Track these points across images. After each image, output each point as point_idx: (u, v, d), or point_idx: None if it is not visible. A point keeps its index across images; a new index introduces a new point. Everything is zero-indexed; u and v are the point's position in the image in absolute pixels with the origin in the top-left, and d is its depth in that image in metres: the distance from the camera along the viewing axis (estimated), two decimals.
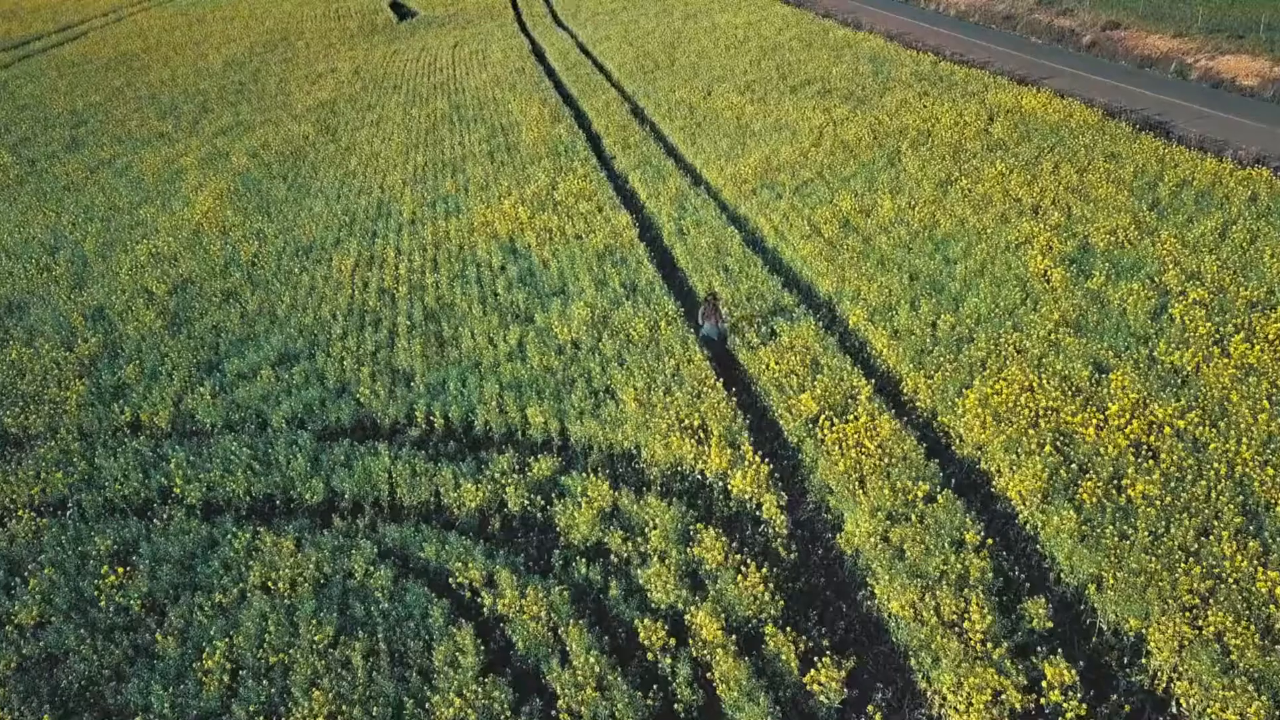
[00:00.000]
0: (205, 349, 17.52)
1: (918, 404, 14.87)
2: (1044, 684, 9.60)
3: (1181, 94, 33.69)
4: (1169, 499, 11.77)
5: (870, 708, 9.59)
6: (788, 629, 10.38)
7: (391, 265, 21.08)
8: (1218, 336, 15.54)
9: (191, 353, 17.33)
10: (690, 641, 10.33)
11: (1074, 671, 9.57)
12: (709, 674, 10.05)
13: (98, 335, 18.25)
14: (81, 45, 57.42)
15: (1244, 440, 12.71)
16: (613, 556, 11.63)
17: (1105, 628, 10.50)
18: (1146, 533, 11.25)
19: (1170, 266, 18.12)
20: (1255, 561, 10.64)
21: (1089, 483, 12.16)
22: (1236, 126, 28.97)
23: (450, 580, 11.27)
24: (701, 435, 13.89)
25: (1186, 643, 9.73)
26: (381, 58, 48.90)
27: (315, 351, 17.21)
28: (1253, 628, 9.76)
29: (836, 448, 13.36)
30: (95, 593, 11.22)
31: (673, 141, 30.77)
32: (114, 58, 52.22)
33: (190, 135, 34.28)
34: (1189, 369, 14.68)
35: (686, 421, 14.10)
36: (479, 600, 11.03)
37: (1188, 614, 10.08)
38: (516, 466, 13.50)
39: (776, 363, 15.79)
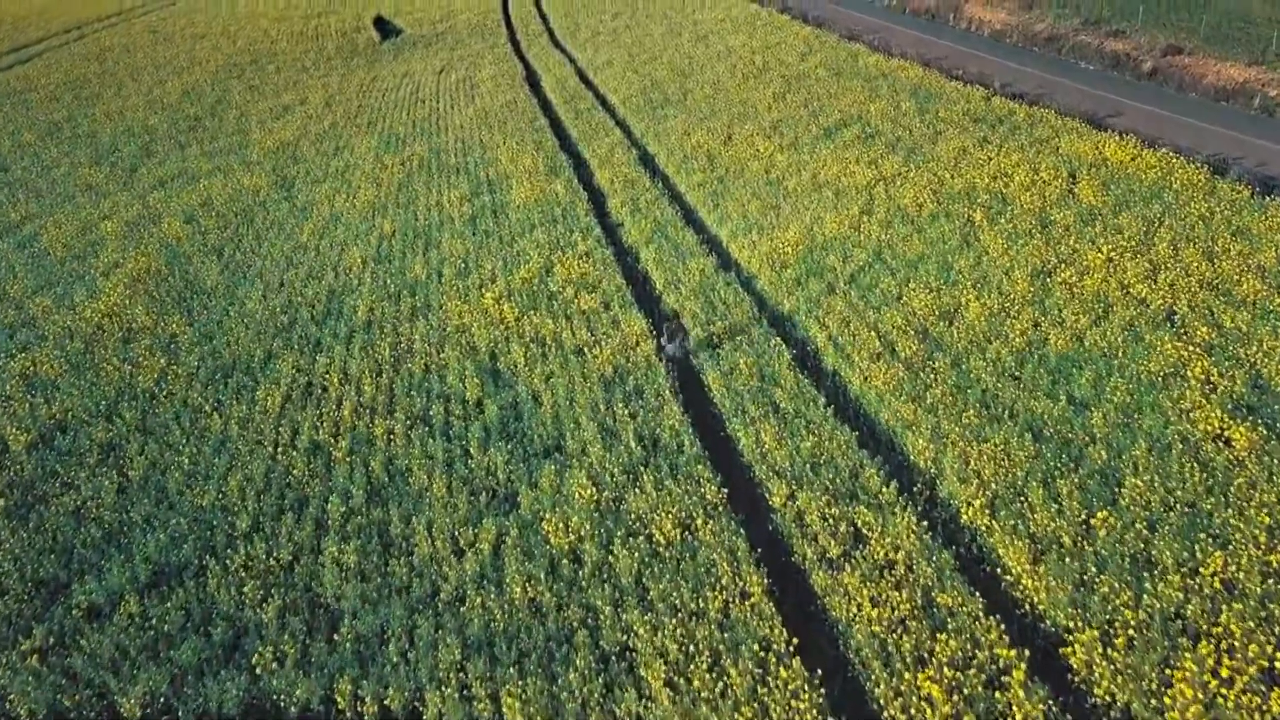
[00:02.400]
0: (52, 559, 12.44)
1: (1096, 691, 9.82)
2: None
3: (1275, 136, 28.79)
4: None
5: None
6: None
7: (333, 400, 16.01)
8: None
9: (31, 565, 12.25)
10: None
11: None
12: None
13: None
14: (33, 68, 52.38)
15: None
16: None
17: None
18: None
19: None
20: None
21: None
22: None
23: None
24: None
25: None
26: (358, 86, 43.91)
27: (207, 564, 12.13)
28: None
29: None
30: None
31: (690, 202, 25.78)
32: (63, 83, 47.19)
33: (123, 188, 29.25)
34: None
35: None
36: None
37: None
38: None
39: (872, 601, 10.76)
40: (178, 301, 20.35)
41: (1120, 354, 15.72)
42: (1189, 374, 14.83)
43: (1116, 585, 10.69)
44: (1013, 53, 44.52)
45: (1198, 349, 15.50)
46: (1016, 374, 15.59)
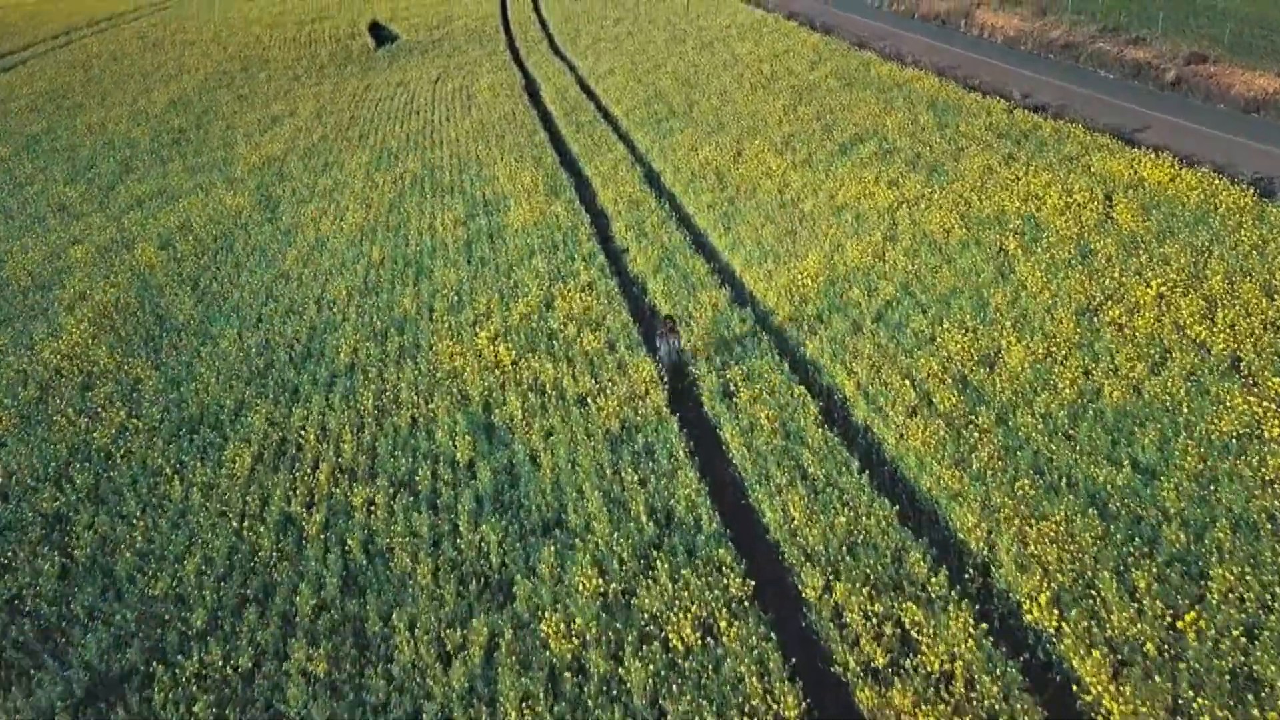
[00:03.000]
0: None
1: None
2: None
3: None
4: None
5: None
6: None
7: (309, 461, 14.38)
8: None
9: None
10: None
11: None
12: None
13: None
14: (15, 76, 50.78)
15: None
16: None
17: None
18: None
19: None
20: None
21: None
22: None
23: None
24: None
25: None
26: (351, 95, 42.33)
27: (154, 671, 10.50)
28: None
29: None
30: None
31: (700, 226, 24.18)
32: (45, 93, 45.60)
33: (98, 208, 27.65)
34: None
35: None
36: None
37: None
38: None
39: None
40: (145, 340, 18.74)
41: (1185, 409, 14.11)
42: (1266, 434, 13.23)
43: (1218, 712, 9.07)
44: (1028, 60, 43.00)
45: (1272, 404, 13.89)
46: (1070, 432, 13.98)
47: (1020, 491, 12.58)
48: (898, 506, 12.56)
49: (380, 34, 59.33)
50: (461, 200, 26.59)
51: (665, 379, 16.37)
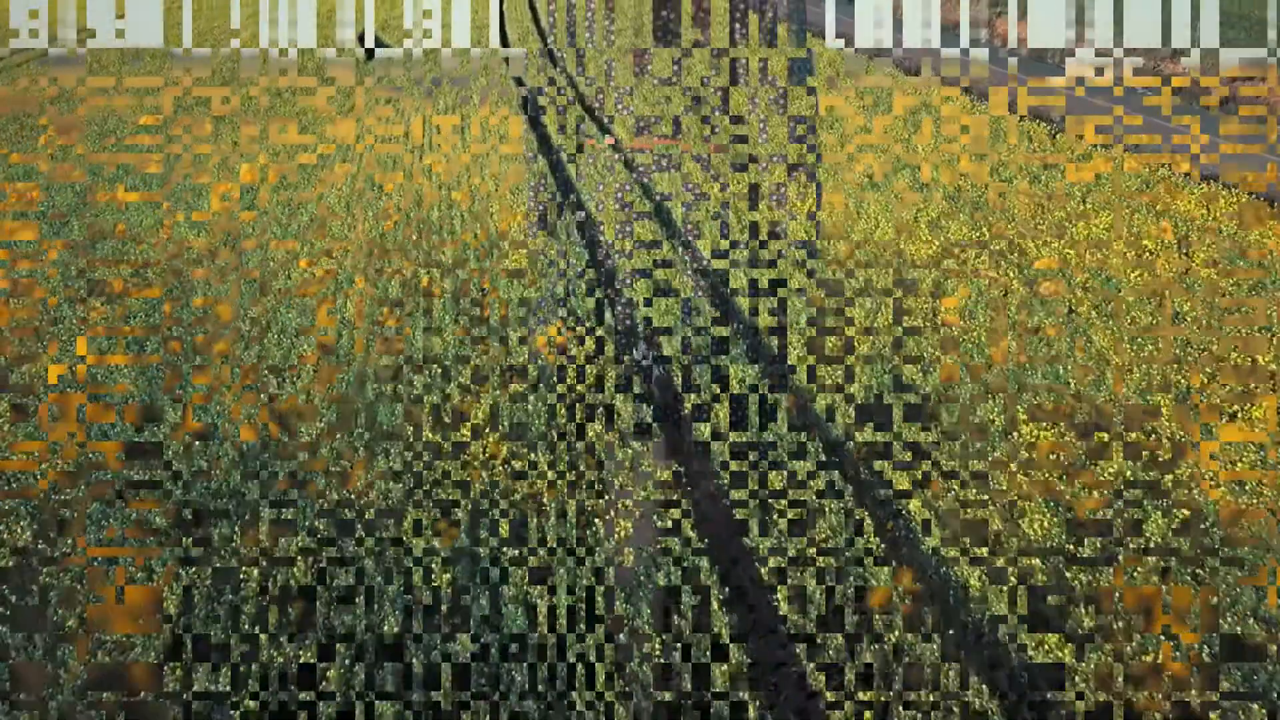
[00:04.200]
0: None
1: None
2: None
3: None
4: None
5: None
6: None
7: (250, 612, 11.53)
8: None
9: None
10: None
11: None
12: None
13: None
14: None
15: None
16: None
17: None
18: None
19: None
20: None
21: None
22: None
23: None
24: None
25: None
26: (338, 111, 39.62)
27: None
28: None
29: None
30: None
31: (718, 269, 21.39)
32: (9, 115, 42.84)
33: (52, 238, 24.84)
34: None
35: None
36: None
37: None
38: None
39: None
40: (67, 434, 15.89)
41: None
42: None
43: None
44: (1055, 74, 40.33)
45: None
46: (1202, 577, 11.18)
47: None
48: (1003, 695, 9.74)
49: (371, 44, 56.57)
50: (450, 240, 23.83)
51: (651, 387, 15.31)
